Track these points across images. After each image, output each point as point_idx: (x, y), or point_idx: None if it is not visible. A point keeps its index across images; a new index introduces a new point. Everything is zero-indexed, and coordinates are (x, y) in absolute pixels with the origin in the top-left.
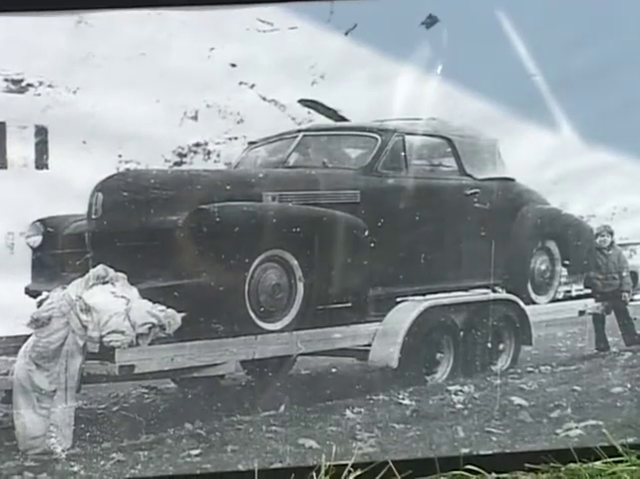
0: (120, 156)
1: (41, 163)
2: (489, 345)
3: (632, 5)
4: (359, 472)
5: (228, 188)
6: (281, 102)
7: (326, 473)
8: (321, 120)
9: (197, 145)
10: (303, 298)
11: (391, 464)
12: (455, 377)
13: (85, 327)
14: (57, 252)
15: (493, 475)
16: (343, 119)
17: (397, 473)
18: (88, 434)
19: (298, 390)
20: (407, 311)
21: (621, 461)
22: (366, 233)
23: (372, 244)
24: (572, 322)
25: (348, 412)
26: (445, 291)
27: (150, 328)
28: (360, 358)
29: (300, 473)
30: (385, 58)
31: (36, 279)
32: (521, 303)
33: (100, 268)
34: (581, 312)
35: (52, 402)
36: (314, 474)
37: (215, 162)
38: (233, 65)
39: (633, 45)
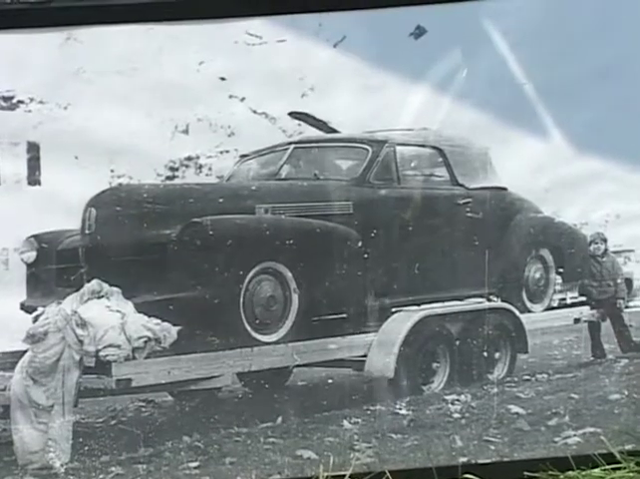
0: (112, 170)
1: (33, 179)
2: (485, 354)
3: (620, 17)
4: None
5: (221, 201)
6: (271, 115)
7: None
8: (311, 132)
9: (189, 159)
10: (298, 310)
11: (388, 474)
12: (451, 386)
13: (81, 342)
14: (51, 268)
15: None
16: (333, 130)
17: None
18: (86, 448)
19: (295, 401)
20: (402, 321)
21: (619, 468)
22: (359, 243)
23: (365, 255)
24: (568, 330)
25: (345, 423)
26: (439, 301)
27: (145, 342)
28: (356, 369)
29: None
30: (374, 69)
31: (31, 295)
32: (516, 312)
33: (94, 283)
34: (577, 320)
35: (50, 417)
36: None
37: (207, 175)
38: (223, 78)
39: (623, 53)
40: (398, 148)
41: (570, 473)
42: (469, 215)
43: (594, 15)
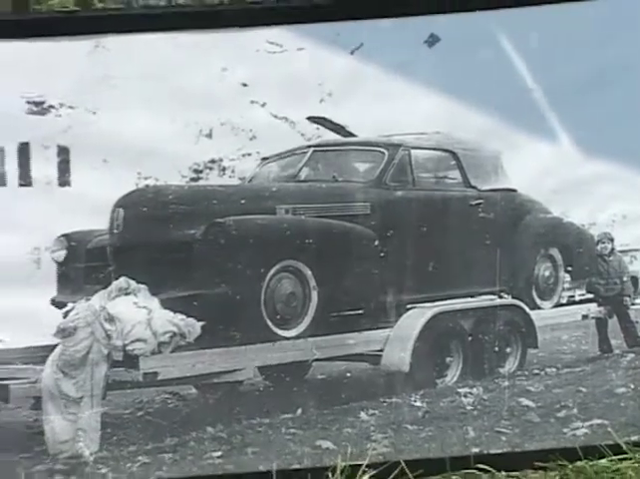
0: (139, 173)
1: (64, 180)
2: (497, 349)
3: (624, 20)
4: (373, 472)
5: (243, 202)
6: (291, 119)
7: (342, 473)
8: (330, 136)
9: (213, 161)
10: (317, 306)
11: (403, 464)
12: (464, 380)
13: (109, 337)
14: (81, 266)
15: (503, 473)
16: (351, 134)
17: (409, 473)
18: (114, 438)
19: (314, 394)
20: (417, 318)
21: (626, 458)
22: (376, 242)
23: (382, 254)
24: (576, 326)
25: (362, 414)
26: (453, 298)
27: (171, 337)
28: (373, 363)
29: (317, 473)
30: (390, 75)
31: (61, 292)
32: (527, 308)
33: (122, 280)
34: (584, 316)
35: (79, 408)
36: (330, 474)
37: (230, 177)
38: (245, 85)
39: (627, 58)
40: (413, 151)
41: (578, 463)
42: (481, 215)
43: (599, 22)
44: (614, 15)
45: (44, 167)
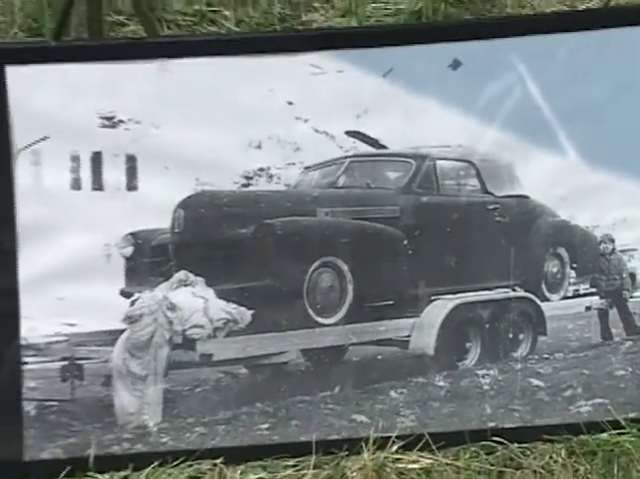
0: (197, 179)
1: (131, 185)
2: (511, 336)
3: (629, 40)
4: (401, 443)
5: (288, 205)
6: (331, 133)
7: (374, 443)
8: (364, 148)
9: (261, 169)
10: (353, 297)
11: (427, 436)
12: (482, 363)
13: (170, 323)
14: (146, 261)
15: (516, 445)
16: (383, 147)
17: (432, 444)
18: (175, 411)
19: (350, 374)
20: (440, 308)
21: (624, 433)
22: (404, 242)
23: (410, 252)
24: (580, 316)
25: (392, 393)
26: (472, 291)
27: (225, 323)
28: (401, 347)
29: (352, 443)
30: (418, 95)
31: (129, 283)
32: (537, 300)
33: (182, 273)
34: (588, 308)
35: (144, 385)
36: (363, 444)
37: (277, 183)
38: (290, 103)
39: (628, 83)
40: (437, 162)
41: (582, 437)
42: (497, 218)
43: (605, 50)
44: (619, 45)
45: (114, 173)
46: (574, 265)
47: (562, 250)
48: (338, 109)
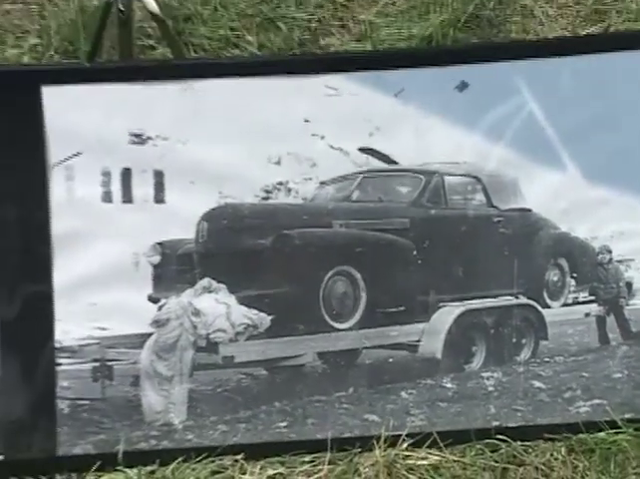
0: (220, 192)
1: (159, 198)
2: (514, 340)
3: (627, 64)
4: (411, 441)
5: (305, 217)
6: (345, 149)
7: (385, 441)
8: (377, 164)
9: (280, 184)
10: (366, 304)
11: (435, 435)
12: (487, 366)
13: (195, 327)
14: (172, 268)
15: (519, 443)
16: (394, 163)
17: (440, 442)
18: (198, 410)
19: (363, 376)
20: (448, 314)
21: (620, 432)
22: (414, 252)
23: (419, 261)
24: (580, 322)
25: (403, 393)
26: (477, 298)
27: (245, 328)
28: (411, 351)
29: (365, 441)
30: (427, 114)
31: (156, 290)
32: (539, 307)
33: (206, 281)
34: (587, 314)
35: (170, 385)
36: (375, 442)
37: (294, 197)
38: (307, 121)
39: (628, 104)
40: (445, 177)
41: (581, 436)
42: (501, 230)
43: (606, 74)
44: (618, 68)
45: (142, 187)
46: (574, 275)
47: (563, 261)
48: (352, 127)
